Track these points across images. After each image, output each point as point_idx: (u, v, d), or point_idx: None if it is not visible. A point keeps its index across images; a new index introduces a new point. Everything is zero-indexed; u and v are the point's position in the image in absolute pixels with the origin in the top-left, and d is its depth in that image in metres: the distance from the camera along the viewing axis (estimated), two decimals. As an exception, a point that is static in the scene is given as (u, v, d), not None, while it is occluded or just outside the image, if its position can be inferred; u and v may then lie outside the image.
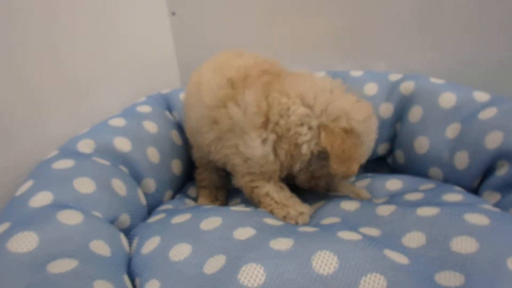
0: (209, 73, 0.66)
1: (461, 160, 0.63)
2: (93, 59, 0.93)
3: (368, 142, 0.58)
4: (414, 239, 0.43)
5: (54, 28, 0.80)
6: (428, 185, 0.66)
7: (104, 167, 0.63)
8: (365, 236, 0.43)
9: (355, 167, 0.55)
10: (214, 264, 0.41)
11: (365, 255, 0.38)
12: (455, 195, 0.56)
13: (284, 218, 0.56)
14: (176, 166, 0.82)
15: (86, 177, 0.57)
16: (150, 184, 0.74)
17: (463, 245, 0.39)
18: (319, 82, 0.58)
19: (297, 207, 0.57)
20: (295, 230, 0.47)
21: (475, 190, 0.62)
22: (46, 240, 0.43)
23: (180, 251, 0.45)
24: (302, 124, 0.54)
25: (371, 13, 0.88)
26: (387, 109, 0.78)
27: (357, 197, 0.64)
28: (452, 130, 0.66)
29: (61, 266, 0.40)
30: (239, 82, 0.59)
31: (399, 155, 0.77)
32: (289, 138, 0.55)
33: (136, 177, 0.72)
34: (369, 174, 0.81)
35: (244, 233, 0.46)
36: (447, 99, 0.68)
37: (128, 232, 0.59)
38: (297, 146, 0.55)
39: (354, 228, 0.47)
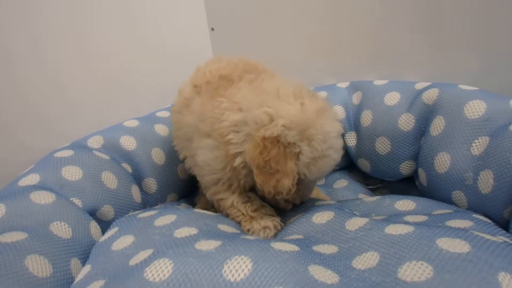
0: (187, 81, 0.67)
1: (485, 182, 0.51)
2: (134, 67, 1.06)
3: (314, 153, 0.49)
4: (366, 260, 0.36)
5: (103, 45, 0.95)
6: (445, 210, 0.55)
7: (100, 160, 0.69)
8: (309, 252, 0.38)
9: (285, 183, 0.48)
10: (140, 256, 0.41)
11: (283, 267, 0.33)
12: (464, 222, 0.46)
13: (248, 231, 0.53)
14: (183, 171, 0.84)
15: (76, 166, 0.63)
16: (151, 184, 0.78)
17: (413, 272, 0.31)
18: (271, 86, 0.53)
19: (262, 220, 0.53)
20: (238, 237, 0.44)
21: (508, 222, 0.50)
22: (11, 212, 0.49)
23: (123, 242, 0.46)
24: (236, 132, 0.51)
25: (397, 21, 0.81)
26: (407, 121, 0.69)
27: None
28: (478, 145, 0.55)
29: (10, 237, 0.44)
30: (202, 88, 0.60)
31: (422, 175, 0.66)
32: (225, 146, 0.52)
33: (138, 176, 0.77)
34: (385, 191, 0.71)
35: (184, 232, 0.45)
36: (475, 108, 0.57)
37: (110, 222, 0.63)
38: (232, 156, 0.52)
39: (309, 245, 0.42)
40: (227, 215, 0.57)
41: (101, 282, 0.38)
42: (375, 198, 0.65)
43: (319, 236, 0.45)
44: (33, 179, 0.58)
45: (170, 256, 0.37)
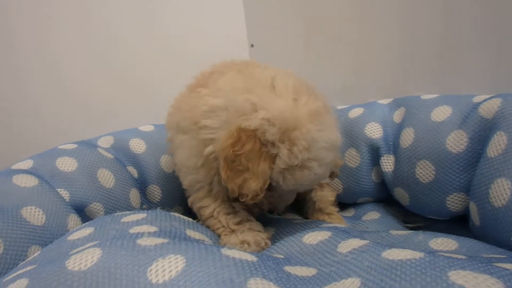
0: None
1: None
2: (172, 81, 1.09)
3: (293, 160, 0.42)
4: (343, 286, 0.27)
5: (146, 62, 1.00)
6: (498, 255, 0.41)
7: (101, 157, 0.68)
8: (268, 266, 0.30)
9: (252, 185, 0.41)
10: (81, 247, 0.36)
11: (217, 274, 0.26)
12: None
13: (224, 245, 0.45)
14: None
15: (72, 158, 0.63)
16: (155, 191, 0.76)
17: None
18: (266, 75, 0.47)
19: (243, 235, 0.46)
20: (196, 241, 0.37)
21: None
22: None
23: (80, 233, 0.43)
24: (210, 117, 0.45)
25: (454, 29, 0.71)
26: (458, 140, 0.56)
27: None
28: (552, 170, 0.42)
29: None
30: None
31: (473, 212, 0.52)
32: (198, 133, 0.46)
33: (143, 181, 0.75)
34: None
35: (141, 229, 0.39)
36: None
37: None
38: (204, 144, 0.45)
39: (280, 264, 0.33)
40: (208, 227, 0.50)
41: (31, 267, 0.33)
42: (405, 232, 0.53)
43: (300, 257, 0.36)
44: (26, 164, 0.58)
45: (103, 246, 0.32)
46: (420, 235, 0.51)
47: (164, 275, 0.27)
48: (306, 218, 0.73)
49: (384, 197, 0.75)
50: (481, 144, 0.54)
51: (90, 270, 0.29)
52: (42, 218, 0.50)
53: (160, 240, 0.33)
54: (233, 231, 0.47)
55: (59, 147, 0.66)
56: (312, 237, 0.40)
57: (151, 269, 0.28)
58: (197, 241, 0.33)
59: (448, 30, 0.73)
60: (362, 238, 0.37)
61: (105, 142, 0.75)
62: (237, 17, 1.24)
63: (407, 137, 0.66)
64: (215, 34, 1.22)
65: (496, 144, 0.50)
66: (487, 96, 0.58)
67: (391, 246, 0.31)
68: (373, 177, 0.74)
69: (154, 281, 0.26)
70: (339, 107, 0.85)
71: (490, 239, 0.48)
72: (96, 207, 0.61)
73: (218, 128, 0.44)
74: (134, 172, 0.75)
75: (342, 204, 0.80)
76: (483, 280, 0.23)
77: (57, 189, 0.57)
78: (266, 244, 0.46)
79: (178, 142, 0.51)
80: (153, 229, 0.40)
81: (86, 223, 0.48)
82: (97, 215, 0.61)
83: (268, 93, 0.45)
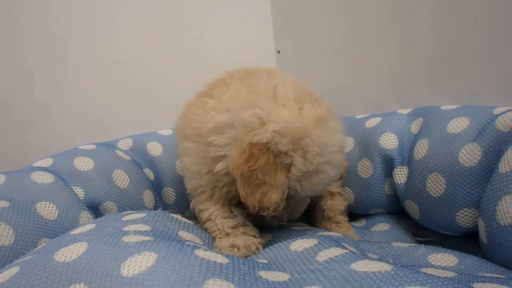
0: None
1: None
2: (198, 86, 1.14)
3: (308, 166, 0.44)
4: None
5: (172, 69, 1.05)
6: (495, 274, 0.39)
7: (118, 159, 0.72)
8: (238, 270, 0.31)
9: (273, 197, 0.42)
10: (74, 242, 0.39)
11: (180, 272, 0.27)
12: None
13: (215, 248, 0.47)
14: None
15: (89, 158, 0.68)
16: (170, 194, 0.79)
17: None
18: (267, 85, 0.48)
19: (235, 239, 0.47)
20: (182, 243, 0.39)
21: None
22: (8, 183, 0.54)
23: (82, 229, 0.46)
24: (220, 134, 0.46)
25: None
26: (472, 153, 0.54)
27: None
28: None
29: (-8, 203, 0.48)
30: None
31: (481, 229, 0.50)
32: (205, 148, 0.48)
33: (158, 183, 0.79)
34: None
35: (134, 227, 0.42)
36: None
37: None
38: (213, 160, 0.47)
39: (254, 267, 0.34)
40: (206, 230, 0.52)
41: (28, 257, 0.37)
42: (407, 244, 0.52)
43: (282, 263, 0.37)
44: (46, 162, 0.64)
45: (90, 241, 0.35)
46: (421, 249, 0.50)
47: (134, 270, 0.29)
48: (315, 226, 0.73)
49: (397, 209, 0.73)
50: (495, 159, 0.51)
51: (73, 262, 0.32)
52: (55, 213, 0.54)
53: (145, 238, 0.36)
54: (227, 234, 0.49)
55: (79, 147, 0.71)
56: (299, 244, 0.41)
57: (125, 264, 0.30)
58: (180, 241, 0.35)
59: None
60: (346, 247, 0.37)
61: (124, 144, 0.80)
62: (264, 23, 1.27)
63: (421, 149, 0.64)
64: (242, 41, 1.25)
65: (509, 160, 0.47)
66: (508, 108, 0.55)
67: (365, 257, 0.31)
68: (385, 189, 0.72)
69: (124, 274, 0.29)
70: (358, 116, 0.85)
71: (497, 258, 0.45)
72: (109, 205, 0.65)
73: (226, 145, 0.46)
74: (150, 174, 0.79)
75: (354, 214, 0.79)
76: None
77: (72, 187, 0.61)
78: (257, 249, 0.47)
79: (183, 148, 0.54)
80: (146, 228, 0.42)
81: (93, 220, 0.51)
82: (111, 213, 0.65)
83: (272, 105, 0.46)
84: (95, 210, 0.64)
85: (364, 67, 0.97)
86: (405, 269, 0.28)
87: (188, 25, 1.18)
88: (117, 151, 0.74)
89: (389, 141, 0.71)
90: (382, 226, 0.71)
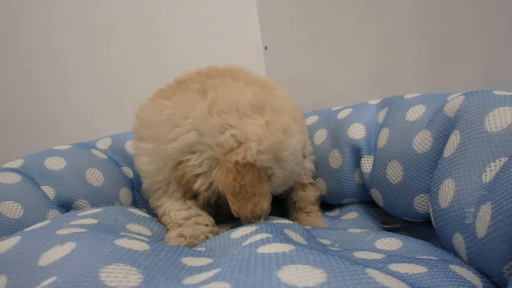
0: None
1: (482, 219, 0.36)
2: None
3: (285, 173, 0.52)
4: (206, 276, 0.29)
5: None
6: (429, 256, 0.40)
7: (93, 158, 0.75)
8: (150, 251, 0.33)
9: (264, 206, 0.48)
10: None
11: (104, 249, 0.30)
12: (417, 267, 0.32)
13: (164, 239, 0.49)
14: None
15: (62, 158, 0.71)
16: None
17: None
18: (226, 100, 0.51)
19: (183, 228, 0.49)
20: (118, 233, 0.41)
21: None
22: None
23: (39, 224, 0.48)
24: (192, 153, 0.50)
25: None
26: (424, 140, 0.54)
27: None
28: (493, 169, 0.39)
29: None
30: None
31: (431, 212, 0.51)
32: (178, 165, 0.52)
33: (138, 181, 0.82)
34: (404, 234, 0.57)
35: (82, 221, 0.44)
36: (500, 117, 0.42)
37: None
38: (189, 180, 0.51)
39: (177, 256, 0.36)
40: (163, 224, 0.54)
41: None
42: (360, 230, 0.53)
43: (217, 249, 0.39)
44: (17, 163, 0.67)
45: (24, 234, 0.37)
46: (371, 234, 0.51)
47: (50, 259, 0.31)
48: (288, 217, 0.74)
49: (368, 198, 0.73)
50: (444, 144, 0.52)
51: (5, 252, 0.34)
52: (19, 212, 0.57)
53: (79, 230, 0.38)
54: (179, 225, 0.51)
55: (53, 147, 0.74)
56: (239, 232, 0.43)
57: (45, 254, 0.32)
58: (112, 232, 0.37)
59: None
60: (285, 234, 0.38)
61: (103, 143, 0.83)
62: (251, 19, 1.27)
63: (383, 138, 0.64)
64: (229, 37, 1.26)
65: (451, 144, 0.48)
66: (459, 94, 0.55)
67: (285, 242, 0.32)
68: (356, 178, 0.73)
69: (40, 264, 0.31)
70: (334, 108, 0.85)
71: (443, 241, 0.46)
72: (82, 203, 0.68)
73: (201, 163, 0.50)
74: (129, 172, 0.81)
75: (329, 204, 0.80)
76: (304, 271, 0.24)
77: (42, 186, 0.64)
78: (206, 237, 0.49)
79: (138, 149, 0.56)
80: (92, 221, 0.44)
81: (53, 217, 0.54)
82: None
83: (242, 122, 0.50)
84: (68, 208, 0.67)
85: (352, 60, 0.98)
86: (307, 250, 0.29)
87: (172, 21, 1.19)
88: (93, 151, 0.77)
89: (356, 132, 0.72)
90: (352, 215, 0.72)
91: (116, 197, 0.74)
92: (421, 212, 0.56)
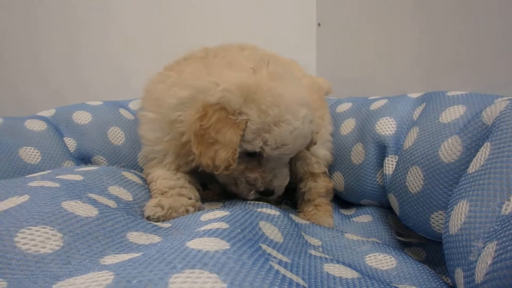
0: None
1: (483, 263, 0.28)
2: None
3: (263, 117, 0.45)
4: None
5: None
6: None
7: (119, 116, 0.76)
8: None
9: (222, 154, 0.43)
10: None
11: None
12: None
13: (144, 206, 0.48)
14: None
15: (89, 113, 0.73)
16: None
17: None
18: (224, 61, 0.49)
19: (164, 198, 0.47)
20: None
21: None
22: (3, 126, 0.62)
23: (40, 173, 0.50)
24: (183, 110, 0.48)
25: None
26: (451, 148, 0.45)
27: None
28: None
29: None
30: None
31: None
32: (167, 119, 0.50)
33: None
34: (420, 252, 0.50)
35: (61, 177, 0.44)
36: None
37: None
38: (180, 134, 0.49)
39: (125, 231, 0.34)
40: (151, 192, 0.53)
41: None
42: (357, 237, 0.48)
43: (179, 228, 0.37)
44: (50, 112, 0.71)
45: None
46: (367, 245, 0.46)
47: (5, 206, 0.31)
48: (297, 209, 0.70)
49: (389, 203, 0.65)
50: (473, 156, 0.42)
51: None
52: (37, 158, 0.60)
53: (51, 184, 0.38)
54: (162, 193, 0.49)
55: (86, 102, 0.77)
56: (209, 215, 0.40)
57: (1, 203, 0.32)
58: (80, 193, 0.36)
59: None
60: (257, 224, 0.35)
61: (136, 104, 0.84)
62: None
63: (411, 138, 0.56)
64: (283, 11, 1.21)
65: (479, 158, 0.39)
66: (506, 98, 0.44)
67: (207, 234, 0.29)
68: (377, 179, 0.65)
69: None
70: (371, 97, 0.76)
71: (448, 272, 0.39)
72: (100, 159, 0.71)
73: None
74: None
75: (347, 202, 0.73)
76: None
77: (65, 137, 0.67)
78: (187, 211, 0.47)
79: (142, 117, 0.56)
80: (77, 178, 0.44)
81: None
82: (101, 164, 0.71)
83: (226, 71, 0.47)
84: (87, 162, 0.70)
85: (405, 47, 0.88)
86: (236, 256, 0.25)
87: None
88: (121, 110, 0.79)
89: (386, 127, 0.63)
90: (365, 218, 0.65)
91: (134, 159, 0.75)
92: (438, 231, 0.47)
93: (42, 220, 0.28)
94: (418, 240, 0.56)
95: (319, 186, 0.65)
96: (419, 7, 0.81)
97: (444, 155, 0.46)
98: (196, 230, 0.32)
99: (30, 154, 0.60)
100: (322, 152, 0.65)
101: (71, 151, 0.67)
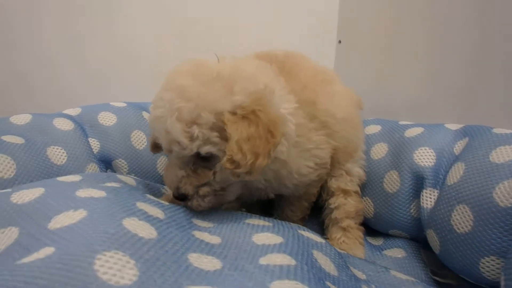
0: None
1: None
2: None
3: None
4: None
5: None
6: None
7: (142, 120, 0.74)
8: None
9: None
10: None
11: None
12: None
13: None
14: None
15: (114, 115, 0.71)
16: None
17: None
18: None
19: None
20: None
21: None
22: (32, 123, 0.60)
23: (69, 178, 0.48)
24: None
25: None
26: (509, 192, 0.44)
27: None
28: None
29: (10, 138, 0.54)
30: None
31: (502, 285, 0.41)
32: None
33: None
34: None
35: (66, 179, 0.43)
36: None
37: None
38: None
39: (188, 251, 0.33)
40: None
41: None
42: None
43: (229, 246, 0.35)
44: (75, 111, 0.68)
45: (46, 186, 0.36)
46: (391, 275, 0.43)
47: (58, 224, 0.29)
48: (322, 234, 0.68)
49: (421, 236, 0.64)
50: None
51: (22, 205, 0.33)
52: (64, 159, 0.57)
53: (97, 194, 0.36)
54: None
55: (110, 103, 0.75)
56: (261, 238, 0.38)
57: (56, 217, 0.30)
58: (126, 205, 0.34)
59: None
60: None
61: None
62: (330, 12, 1.21)
63: (456, 173, 0.55)
64: (303, 27, 1.21)
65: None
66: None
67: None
68: (411, 211, 0.64)
69: (49, 226, 0.29)
70: (402, 122, 0.76)
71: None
72: (121, 163, 0.68)
73: None
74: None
75: (374, 230, 0.72)
76: None
77: (89, 138, 0.65)
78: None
79: None
80: (115, 185, 0.42)
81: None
82: (121, 171, 0.68)
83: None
84: (108, 165, 0.67)
85: (430, 71, 0.87)
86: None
87: (250, 7, 1.16)
88: (144, 113, 0.76)
89: (425, 157, 0.62)
90: (397, 252, 0.63)
91: (153, 165, 0.73)
92: (488, 277, 0.46)
93: (112, 243, 0.26)
94: (457, 282, 0.54)
95: (349, 205, 0.64)
96: (447, 30, 0.81)
97: (500, 198, 0.45)
98: (260, 263, 0.30)
99: (57, 154, 0.57)
100: (356, 169, 0.64)
101: (95, 153, 0.65)
